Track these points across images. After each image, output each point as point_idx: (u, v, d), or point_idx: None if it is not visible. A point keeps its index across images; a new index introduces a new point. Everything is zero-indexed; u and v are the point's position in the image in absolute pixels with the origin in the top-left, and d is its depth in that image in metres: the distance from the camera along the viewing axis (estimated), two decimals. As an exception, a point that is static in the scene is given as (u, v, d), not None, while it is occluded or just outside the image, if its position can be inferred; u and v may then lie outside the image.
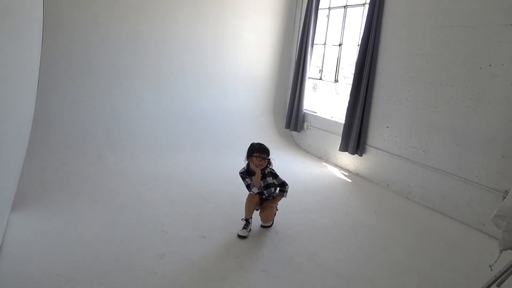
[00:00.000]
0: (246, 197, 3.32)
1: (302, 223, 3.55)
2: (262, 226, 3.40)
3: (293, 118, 6.29)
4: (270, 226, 3.42)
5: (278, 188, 3.39)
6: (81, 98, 5.03)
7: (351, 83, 5.18)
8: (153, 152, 5.10)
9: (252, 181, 3.27)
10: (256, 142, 3.35)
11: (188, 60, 5.73)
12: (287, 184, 3.37)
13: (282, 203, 3.54)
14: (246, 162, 3.33)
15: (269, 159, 3.30)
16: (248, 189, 3.29)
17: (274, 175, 3.35)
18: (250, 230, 3.26)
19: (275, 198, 3.39)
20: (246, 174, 3.31)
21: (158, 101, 5.55)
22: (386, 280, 2.73)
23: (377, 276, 2.77)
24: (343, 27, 5.66)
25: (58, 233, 2.96)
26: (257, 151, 3.24)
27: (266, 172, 3.31)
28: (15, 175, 3.61)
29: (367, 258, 3.02)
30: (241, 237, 3.16)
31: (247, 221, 3.28)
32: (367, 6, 5.10)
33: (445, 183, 4.09)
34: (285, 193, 3.38)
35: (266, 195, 3.36)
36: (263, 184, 3.32)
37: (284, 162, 5.49)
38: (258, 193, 3.32)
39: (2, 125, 2.66)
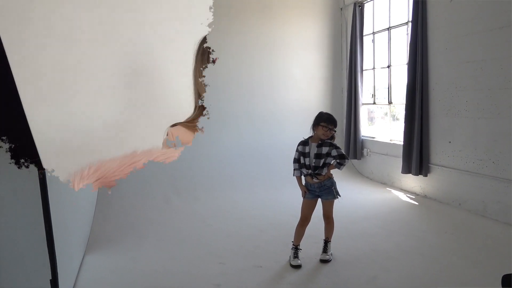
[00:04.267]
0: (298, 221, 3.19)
1: (362, 248, 3.39)
2: (321, 261, 3.13)
3: (351, 146, 6.18)
4: (329, 261, 3.15)
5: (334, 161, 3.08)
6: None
7: (404, 102, 5.02)
8: (213, 191, 5.30)
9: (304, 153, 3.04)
10: (325, 111, 3.12)
11: (240, 101, 6.00)
12: (347, 158, 3.08)
13: (341, 231, 3.44)
14: (312, 132, 3.08)
15: (334, 132, 3.05)
16: (294, 164, 3.13)
17: (333, 145, 3.03)
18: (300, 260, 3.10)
19: (328, 168, 3.07)
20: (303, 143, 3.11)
21: (214, 144, 5.81)
22: (456, 301, 2.49)
23: (445, 297, 2.54)
24: (389, 48, 5.60)
25: (124, 270, 3.17)
26: (325, 121, 2.98)
27: (324, 141, 3.03)
28: (88, 221, 3.99)
29: (433, 280, 2.78)
30: (295, 267, 3.06)
31: (296, 248, 3.15)
32: (410, 24, 5.03)
33: (524, 195, 3.69)
34: (341, 166, 3.02)
35: (314, 165, 3.03)
36: (316, 151, 3.03)
37: (347, 192, 5.32)
38: (308, 169, 3.04)
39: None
